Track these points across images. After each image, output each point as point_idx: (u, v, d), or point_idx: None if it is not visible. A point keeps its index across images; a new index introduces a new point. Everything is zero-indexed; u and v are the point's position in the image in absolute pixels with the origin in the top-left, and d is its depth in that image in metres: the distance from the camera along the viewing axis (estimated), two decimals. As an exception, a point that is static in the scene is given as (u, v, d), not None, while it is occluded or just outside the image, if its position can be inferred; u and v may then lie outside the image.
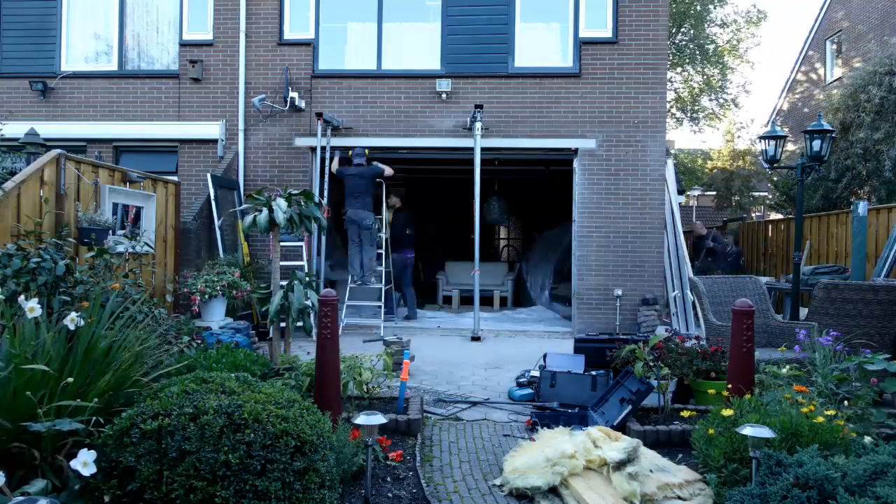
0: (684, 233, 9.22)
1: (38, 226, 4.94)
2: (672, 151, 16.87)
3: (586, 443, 3.52)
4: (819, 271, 8.47)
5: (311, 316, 5.15)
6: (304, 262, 8.46)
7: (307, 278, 5.22)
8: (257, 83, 9.32)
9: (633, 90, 8.93)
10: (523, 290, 12.87)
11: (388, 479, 3.55)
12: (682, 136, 62.04)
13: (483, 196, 9.31)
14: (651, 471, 3.37)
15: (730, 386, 3.86)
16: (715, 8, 20.54)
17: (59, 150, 5.45)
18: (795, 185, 8.36)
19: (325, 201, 8.52)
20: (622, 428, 4.13)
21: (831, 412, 3.29)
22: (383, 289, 8.91)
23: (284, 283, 5.15)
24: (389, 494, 3.35)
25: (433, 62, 9.23)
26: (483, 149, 8.80)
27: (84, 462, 2.33)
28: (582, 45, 9.01)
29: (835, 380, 3.92)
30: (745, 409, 3.40)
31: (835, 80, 16.51)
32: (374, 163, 8.80)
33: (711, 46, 20.40)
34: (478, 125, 8.67)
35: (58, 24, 9.64)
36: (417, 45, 9.46)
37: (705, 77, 21.03)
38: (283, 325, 5.17)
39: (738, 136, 18.90)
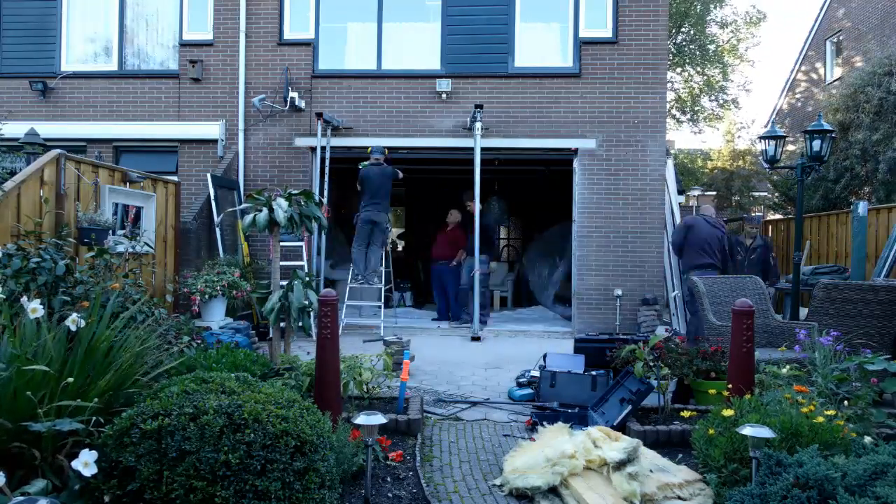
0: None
1: (38, 226, 4.94)
2: (672, 151, 16.84)
3: (586, 443, 3.52)
4: (819, 271, 8.46)
5: (311, 316, 5.15)
6: (305, 262, 8.46)
7: (307, 278, 5.22)
8: (257, 83, 9.32)
9: (633, 90, 8.92)
10: (523, 290, 12.88)
11: (388, 479, 3.55)
12: (682, 137, 62.07)
13: (483, 196, 9.31)
14: (651, 471, 3.37)
15: (730, 386, 3.86)
16: (715, 8, 20.55)
17: (58, 150, 5.45)
18: (795, 185, 8.35)
19: (325, 201, 8.52)
20: (622, 428, 4.13)
21: (831, 412, 3.29)
22: (383, 289, 8.91)
23: (284, 282, 5.15)
24: (389, 494, 3.35)
25: (433, 62, 9.23)
26: (483, 149, 8.80)
27: (85, 462, 2.33)
28: (582, 45, 9.01)
29: (835, 380, 3.91)
30: (745, 409, 3.40)
31: (835, 81, 16.51)
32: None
33: (712, 46, 20.40)
34: (478, 125, 8.66)
35: (58, 24, 9.64)
36: (417, 45, 9.45)
37: (705, 77, 21.02)
38: (283, 324, 5.17)
39: (739, 137, 18.91)
